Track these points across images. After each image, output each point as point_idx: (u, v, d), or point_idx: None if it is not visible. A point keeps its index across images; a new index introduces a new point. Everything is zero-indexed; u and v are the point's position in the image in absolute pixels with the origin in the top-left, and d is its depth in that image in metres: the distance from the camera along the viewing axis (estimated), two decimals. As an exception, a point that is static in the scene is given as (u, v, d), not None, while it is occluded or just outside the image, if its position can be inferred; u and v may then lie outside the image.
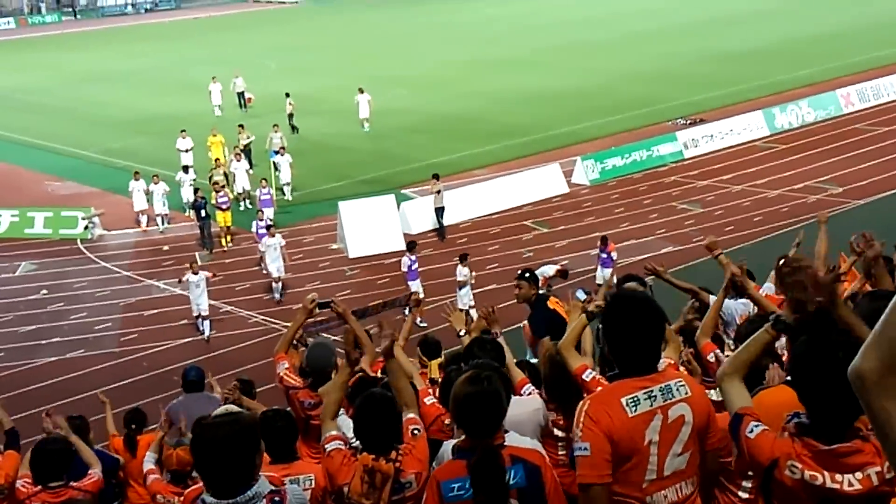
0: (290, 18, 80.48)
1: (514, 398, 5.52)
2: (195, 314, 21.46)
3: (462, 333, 8.22)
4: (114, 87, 51.11)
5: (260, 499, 3.92)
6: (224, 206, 26.72)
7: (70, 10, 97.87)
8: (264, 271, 23.88)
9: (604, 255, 21.19)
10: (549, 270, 12.42)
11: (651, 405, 4.04)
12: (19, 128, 42.96)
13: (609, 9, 68.62)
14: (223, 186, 27.57)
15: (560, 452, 6.29)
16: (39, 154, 38.91)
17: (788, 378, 4.65)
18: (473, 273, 21.09)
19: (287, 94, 38.74)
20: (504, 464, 4.44)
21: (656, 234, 25.18)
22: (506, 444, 4.58)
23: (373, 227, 25.85)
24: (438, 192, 26.38)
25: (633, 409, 4.01)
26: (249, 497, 3.89)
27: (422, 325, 20.01)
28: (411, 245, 22.30)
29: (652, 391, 4.07)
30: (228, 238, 27.00)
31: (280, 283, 23.13)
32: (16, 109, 47.35)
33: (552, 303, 10.40)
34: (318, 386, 7.97)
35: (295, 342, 8.65)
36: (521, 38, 59.92)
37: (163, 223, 28.72)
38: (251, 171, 30.27)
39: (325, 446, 5.23)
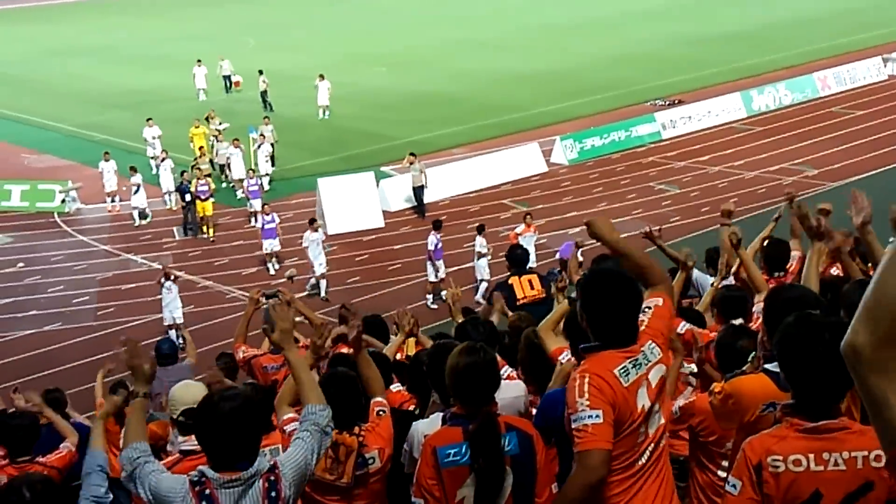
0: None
1: None
2: (166, 323, 19.76)
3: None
4: (90, 60, 50.66)
5: (259, 476, 4.02)
6: (203, 196, 25.65)
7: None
8: (285, 273, 22.21)
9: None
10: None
11: (638, 373, 4.19)
12: (-5, 100, 42.63)
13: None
14: (207, 175, 26.70)
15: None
16: (15, 127, 38.59)
17: (766, 366, 4.74)
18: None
19: (260, 72, 38.45)
20: (500, 430, 4.55)
21: (633, 214, 25.32)
22: (499, 412, 4.69)
23: (352, 204, 25.85)
24: (421, 171, 26.31)
25: (626, 378, 4.14)
26: (251, 474, 3.99)
27: (432, 306, 20.23)
28: (437, 224, 21.84)
29: (637, 359, 4.21)
30: (211, 230, 25.95)
31: (324, 280, 21.71)
32: (-9, 81, 46.93)
33: (514, 279, 10.98)
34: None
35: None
36: (502, 18, 59.81)
37: (141, 217, 27.41)
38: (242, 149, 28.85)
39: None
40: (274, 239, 23.13)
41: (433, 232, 21.42)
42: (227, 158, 28.94)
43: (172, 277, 20.13)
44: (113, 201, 28.44)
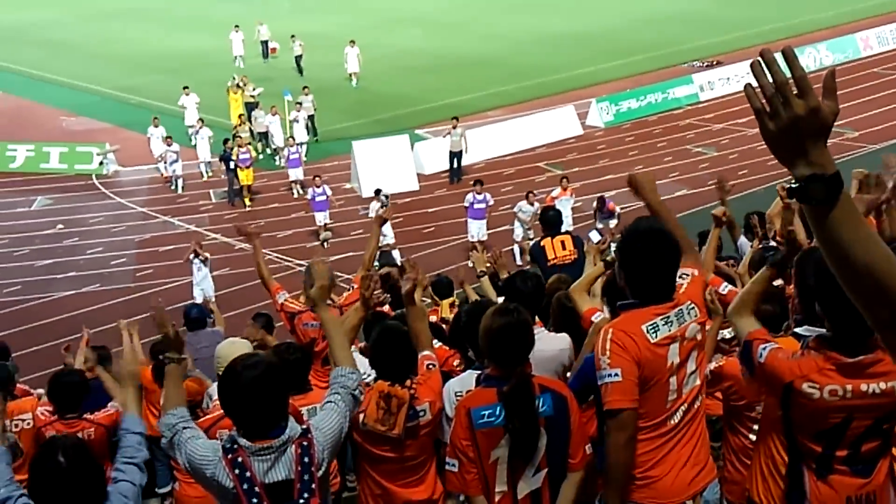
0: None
1: (541, 334, 5.63)
2: (199, 301, 18.45)
3: (481, 273, 8.36)
4: (128, 22, 50.78)
5: (291, 442, 4.01)
6: (245, 164, 25.52)
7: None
8: (320, 237, 22.63)
9: (602, 214, 20.96)
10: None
11: (669, 330, 4.21)
12: (34, 63, 42.81)
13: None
14: (248, 143, 26.60)
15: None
16: (54, 89, 38.86)
17: (795, 329, 4.68)
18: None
19: (293, 36, 38.37)
20: (535, 392, 4.57)
21: (670, 177, 25.12)
22: (533, 374, 4.70)
23: (386, 166, 25.82)
24: (461, 136, 26.07)
25: (654, 335, 4.17)
26: (283, 441, 3.97)
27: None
28: (478, 181, 21.77)
29: (669, 317, 4.23)
30: (248, 197, 25.92)
31: (396, 250, 20.86)
32: (30, 44, 47.11)
33: (546, 241, 11.08)
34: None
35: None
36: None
37: (176, 185, 27.38)
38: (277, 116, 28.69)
39: None
40: (325, 211, 22.91)
41: (473, 189, 21.32)
42: (266, 126, 28.82)
43: (202, 258, 19.70)
44: (163, 167, 28.38)
